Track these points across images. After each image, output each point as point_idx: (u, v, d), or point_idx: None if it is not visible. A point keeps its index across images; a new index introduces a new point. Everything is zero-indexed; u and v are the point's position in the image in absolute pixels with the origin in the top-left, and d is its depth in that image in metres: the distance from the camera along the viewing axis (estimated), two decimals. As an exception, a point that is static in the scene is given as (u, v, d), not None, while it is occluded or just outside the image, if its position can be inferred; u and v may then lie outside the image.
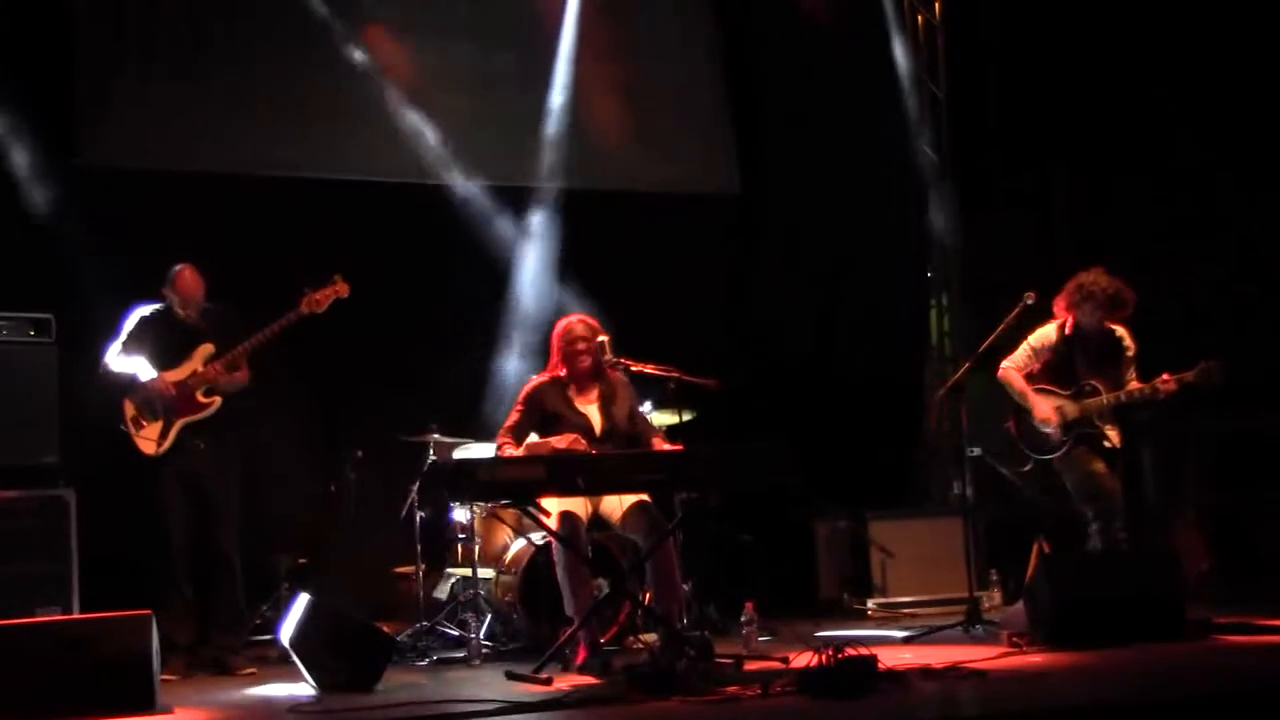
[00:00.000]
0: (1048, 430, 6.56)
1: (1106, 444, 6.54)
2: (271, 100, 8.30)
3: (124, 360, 6.37)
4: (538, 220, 8.75)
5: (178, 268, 6.46)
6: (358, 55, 8.53)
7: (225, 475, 6.41)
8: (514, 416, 6.11)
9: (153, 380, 6.31)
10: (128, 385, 6.34)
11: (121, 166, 7.94)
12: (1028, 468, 6.73)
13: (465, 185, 8.62)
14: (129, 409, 6.34)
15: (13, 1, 7.62)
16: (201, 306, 6.46)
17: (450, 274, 8.35)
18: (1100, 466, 6.54)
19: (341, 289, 6.41)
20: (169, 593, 6.24)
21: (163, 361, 6.36)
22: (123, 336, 6.42)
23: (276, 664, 6.46)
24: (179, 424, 6.30)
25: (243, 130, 8.20)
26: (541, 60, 8.95)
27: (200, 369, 6.33)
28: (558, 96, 8.90)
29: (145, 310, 6.48)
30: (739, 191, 9.36)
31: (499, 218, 8.69)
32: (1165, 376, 6.39)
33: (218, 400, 6.33)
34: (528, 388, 6.21)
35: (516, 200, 8.74)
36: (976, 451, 8.05)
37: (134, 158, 7.99)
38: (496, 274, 8.56)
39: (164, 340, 6.41)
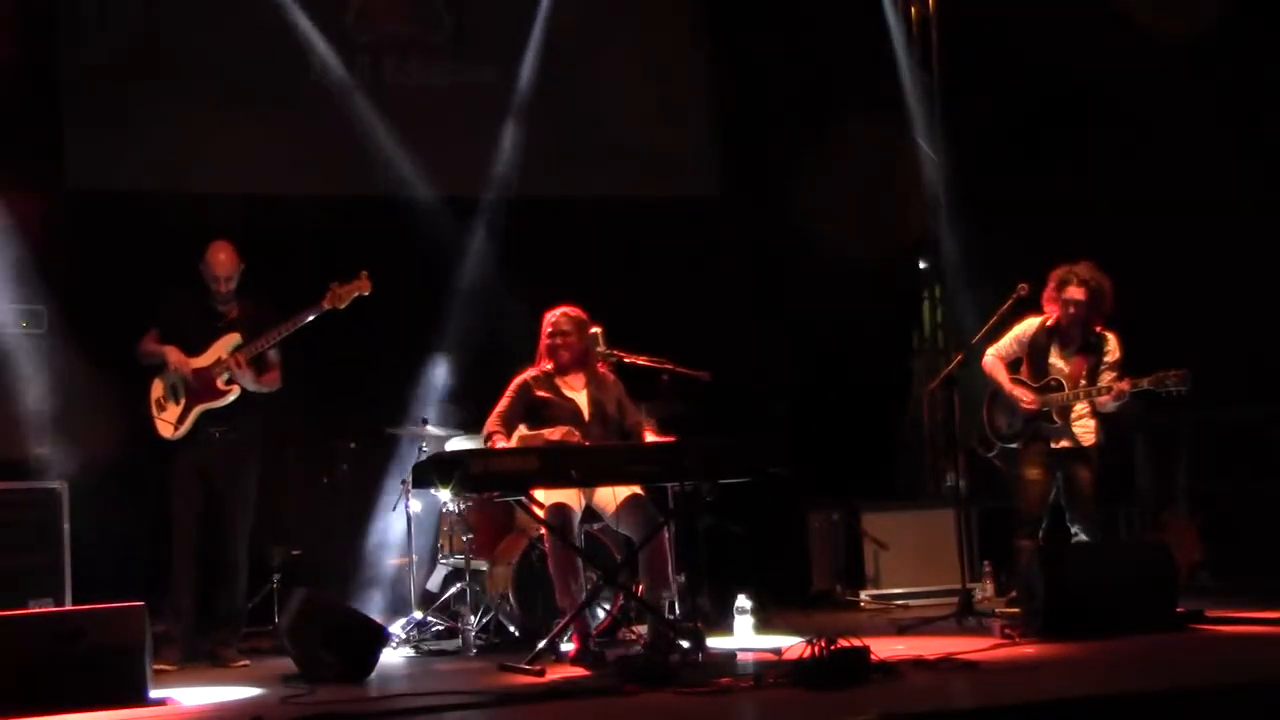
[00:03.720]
0: (1014, 416, 6.59)
1: (1063, 443, 6.52)
2: (255, 120, 8.33)
3: (156, 343, 6.36)
4: (511, 228, 8.75)
5: (211, 244, 6.42)
6: (337, 74, 8.63)
7: (239, 472, 6.37)
8: (504, 403, 6.14)
9: (176, 360, 6.28)
10: (158, 366, 6.33)
11: (108, 189, 8.10)
12: (994, 453, 6.76)
13: (445, 196, 8.64)
14: (156, 389, 6.34)
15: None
16: (235, 294, 6.42)
17: (438, 276, 8.43)
18: (1034, 474, 6.54)
19: (365, 286, 6.38)
20: (166, 581, 6.22)
21: (188, 345, 6.34)
22: (157, 318, 6.41)
23: (270, 655, 6.46)
24: (197, 409, 6.28)
25: (229, 150, 8.24)
26: (513, 71, 8.98)
27: (224, 357, 6.30)
28: (538, 104, 8.92)
29: (178, 291, 6.46)
30: (719, 193, 9.36)
31: (481, 225, 8.70)
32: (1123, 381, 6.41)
33: (236, 389, 6.31)
34: (517, 379, 6.23)
35: (497, 209, 8.76)
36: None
37: (119, 180, 8.18)
38: (479, 277, 8.58)
39: (192, 324, 6.40)
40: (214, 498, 6.33)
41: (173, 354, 6.29)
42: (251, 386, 6.35)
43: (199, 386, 6.29)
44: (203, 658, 6.26)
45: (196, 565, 6.31)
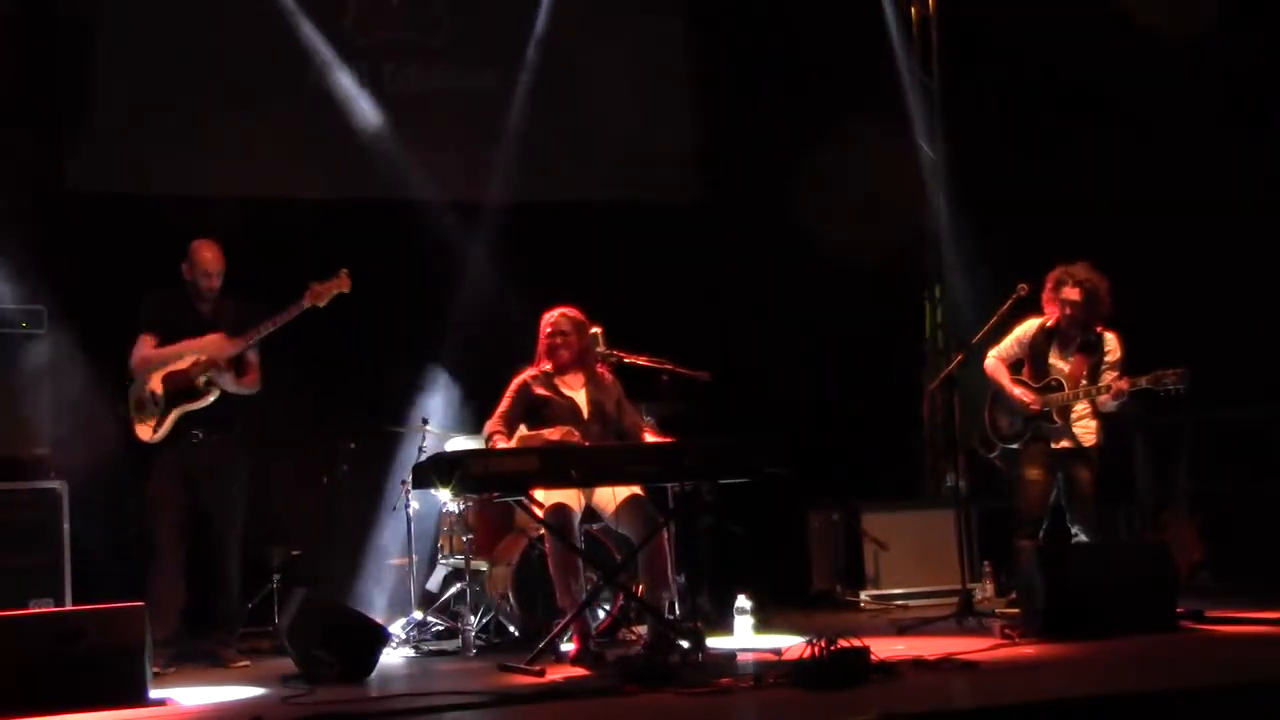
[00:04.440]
0: (1015, 417, 6.60)
1: (1064, 443, 6.52)
2: (256, 123, 8.36)
3: (156, 348, 6.29)
4: (510, 231, 8.74)
5: (195, 242, 6.37)
6: (337, 77, 8.68)
7: (224, 473, 6.31)
8: (504, 404, 6.14)
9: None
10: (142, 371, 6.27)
11: (108, 190, 8.13)
12: (995, 454, 6.77)
13: (437, 200, 8.66)
14: (135, 391, 6.28)
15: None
16: (219, 294, 6.37)
17: (438, 279, 8.46)
18: (1034, 474, 6.54)
19: (344, 283, 6.30)
20: (150, 583, 6.11)
21: (170, 345, 6.27)
22: (146, 321, 6.33)
23: (270, 655, 6.46)
24: (175, 412, 6.21)
25: (229, 153, 8.30)
26: (511, 77, 9.00)
27: (202, 358, 6.23)
28: (537, 109, 8.94)
29: (159, 291, 6.40)
30: (718, 196, 9.35)
31: (481, 228, 8.71)
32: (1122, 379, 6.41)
33: (216, 391, 6.25)
34: (516, 379, 6.23)
35: (488, 214, 8.78)
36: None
37: (119, 182, 8.21)
38: (478, 279, 8.60)
39: (174, 324, 6.34)
40: (201, 500, 6.26)
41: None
42: (231, 388, 6.27)
43: (179, 388, 6.22)
44: (203, 659, 6.24)
45: (184, 568, 6.21)
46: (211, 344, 6.22)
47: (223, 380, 6.25)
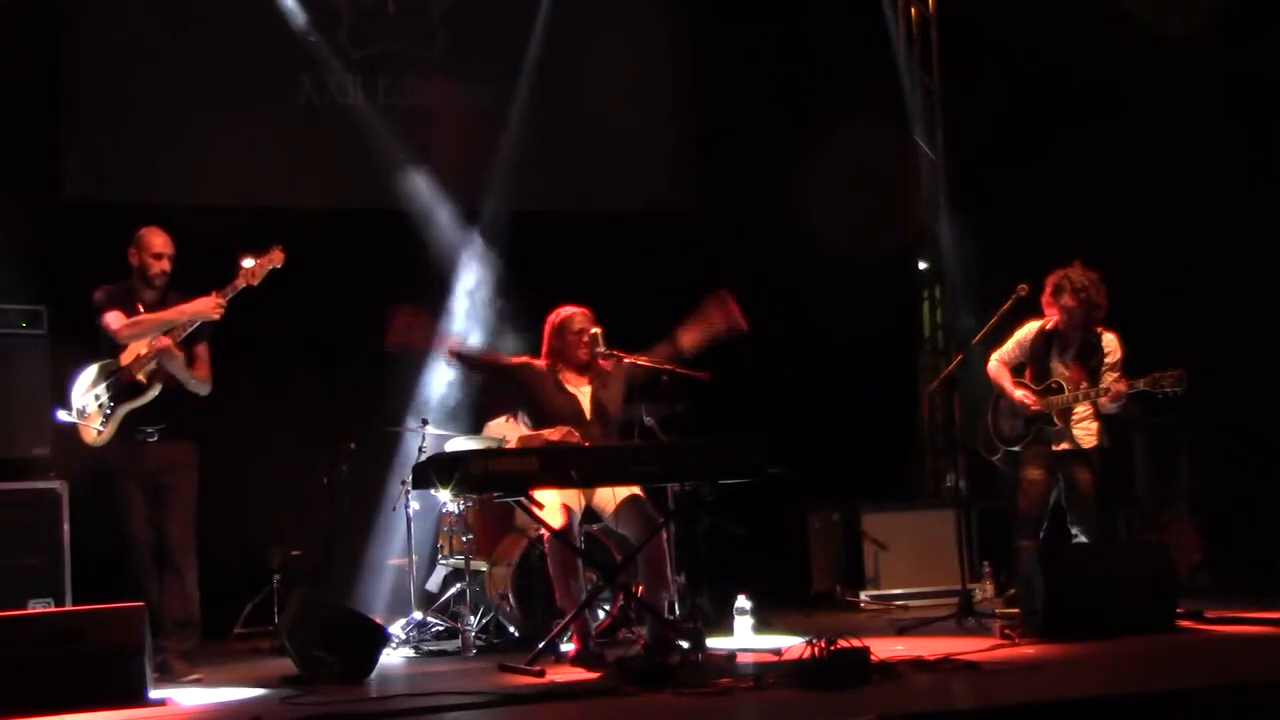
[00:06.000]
0: (1017, 419, 6.61)
1: (1064, 445, 6.53)
2: (255, 132, 8.37)
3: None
4: (509, 237, 8.75)
5: (142, 228, 6.14)
6: (333, 88, 8.74)
7: (175, 471, 6.04)
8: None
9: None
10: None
11: (107, 196, 8.13)
12: (997, 456, 6.77)
13: (436, 207, 8.69)
14: (75, 400, 6.07)
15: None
16: (167, 281, 6.13)
17: (437, 284, 8.48)
18: (1034, 475, 6.55)
19: (276, 259, 6.01)
20: (143, 588, 5.88)
21: (111, 342, 6.06)
22: (105, 306, 6.06)
23: (270, 655, 6.46)
24: (121, 411, 5.97)
25: (227, 161, 8.30)
26: (507, 87, 9.00)
27: (143, 351, 5.96)
28: (532, 119, 8.96)
29: (104, 289, 6.13)
30: (719, 199, 9.35)
31: (478, 236, 8.72)
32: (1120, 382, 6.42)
33: (159, 386, 5.97)
34: (524, 357, 6.23)
35: (486, 220, 8.79)
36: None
37: (118, 187, 8.21)
38: (476, 285, 8.61)
39: (126, 314, 6.08)
40: (154, 500, 6.02)
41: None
42: (182, 374, 6.01)
43: (123, 384, 5.99)
44: (153, 667, 5.90)
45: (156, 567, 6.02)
46: (203, 305, 5.97)
47: (173, 366, 5.97)
